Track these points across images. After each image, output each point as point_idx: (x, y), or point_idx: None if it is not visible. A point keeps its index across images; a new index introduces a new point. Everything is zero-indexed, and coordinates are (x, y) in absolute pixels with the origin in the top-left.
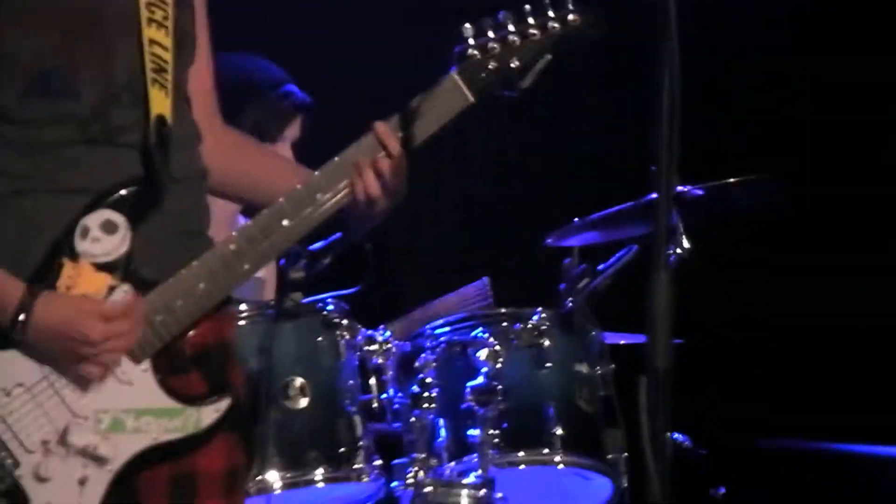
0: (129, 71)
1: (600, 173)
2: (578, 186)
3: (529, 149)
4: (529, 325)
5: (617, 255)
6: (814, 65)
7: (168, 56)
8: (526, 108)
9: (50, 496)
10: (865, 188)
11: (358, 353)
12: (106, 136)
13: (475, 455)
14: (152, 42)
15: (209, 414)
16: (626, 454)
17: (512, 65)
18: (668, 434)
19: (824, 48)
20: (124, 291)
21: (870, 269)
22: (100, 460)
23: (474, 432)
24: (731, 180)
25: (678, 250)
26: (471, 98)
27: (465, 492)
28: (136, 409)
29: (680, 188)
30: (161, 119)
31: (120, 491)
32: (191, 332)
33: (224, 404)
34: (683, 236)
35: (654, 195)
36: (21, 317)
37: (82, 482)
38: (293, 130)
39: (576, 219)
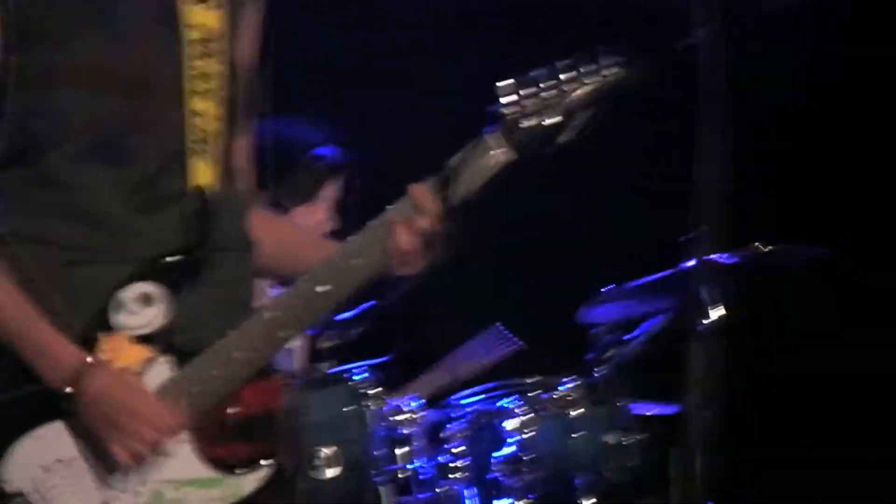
0: (177, 141)
1: (634, 240)
2: (610, 256)
3: (562, 217)
4: (558, 395)
5: (646, 324)
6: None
7: (211, 127)
8: (556, 177)
9: None
10: None
11: (384, 423)
12: (155, 204)
13: None
14: (195, 114)
15: (250, 483)
16: None
17: (547, 122)
18: None
19: (859, 113)
20: (163, 363)
21: None
22: None
23: (502, 503)
24: (768, 247)
25: (711, 319)
26: (509, 155)
27: None
28: (175, 480)
29: (714, 257)
30: (199, 190)
31: None
32: (235, 402)
33: (265, 472)
34: (717, 305)
35: (687, 265)
36: (71, 387)
37: None
38: (329, 191)
39: (604, 288)
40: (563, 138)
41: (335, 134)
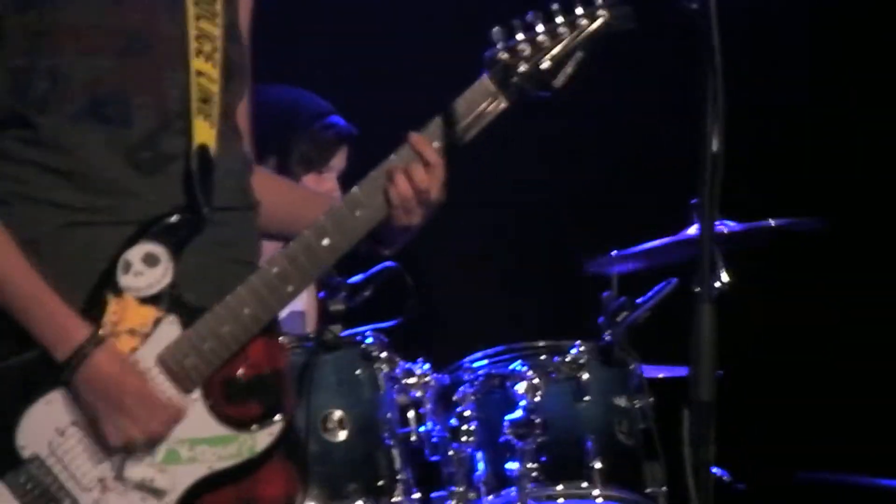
0: (179, 100)
1: (643, 204)
2: (620, 217)
3: (572, 179)
4: (568, 358)
5: (656, 288)
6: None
7: (215, 88)
8: (568, 138)
9: None
10: None
11: (396, 385)
12: (156, 164)
13: (513, 488)
14: (200, 73)
15: (263, 438)
16: (665, 488)
17: (543, 66)
18: (711, 467)
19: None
20: (171, 322)
21: None
22: (158, 493)
23: (512, 465)
24: (771, 222)
25: (718, 284)
26: (504, 101)
27: None
28: (189, 438)
29: (720, 223)
30: (204, 148)
31: None
32: (244, 361)
33: (277, 428)
34: (723, 270)
35: (696, 229)
36: (73, 362)
37: None
38: (339, 161)
39: (614, 250)
40: (557, 83)
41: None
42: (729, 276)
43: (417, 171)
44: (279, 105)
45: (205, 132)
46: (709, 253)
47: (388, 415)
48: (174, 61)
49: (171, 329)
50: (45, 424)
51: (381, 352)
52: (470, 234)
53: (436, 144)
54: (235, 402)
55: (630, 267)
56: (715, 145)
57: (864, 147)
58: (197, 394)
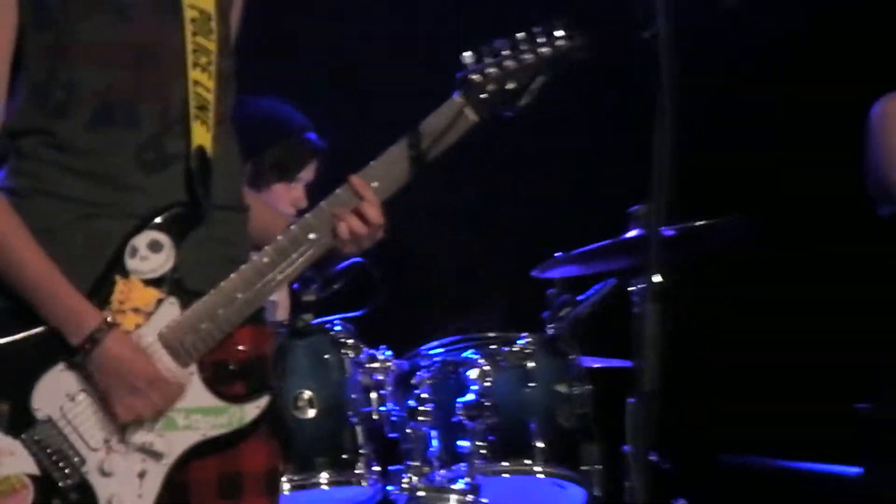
0: (180, 107)
1: (583, 212)
2: (562, 223)
3: (519, 188)
4: (516, 348)
5: (596, 287)
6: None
7: (210, 96)
8: (517, 154)
9: (113, 489)
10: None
11: (361, 369)
12: (160, 163)
13: (464, 464)
14: (196, 83)
15: (251, 410)
16: (600, 466)
17: (509, 86)
18: (650, 451)
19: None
20: (171, 303)
21: (828, 300)
22: (156, 455)
23: (464, 443)
24: (702, 222)
25: (655, 283)
26: (474, 118)
27: (454, 497)
28: (186, 408)
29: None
30: (201, 150)
31: (173, 488)
32: (234, 345)
33: (264, 401)
34: (659, 271)
35: (634, 233)
36: (88, 345)
37: (141, 475)
38: (308, 173)
39: (558, 253)
40: (521, 102)
41: (313, 122)
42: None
43: (357, 214)
44: (260, 116)
45: (202, 135)
46: (655, 255)
47: (353, 396)
48: (175, 72)
49: (171, 309)
50: (58, 390)
51: (347, 339)
52: (431, 237)
53: (370, 188)
54: (226, 380)
55: (572, 269)
56: (663, 158)
57: (787, 147)
58: (193, 368)
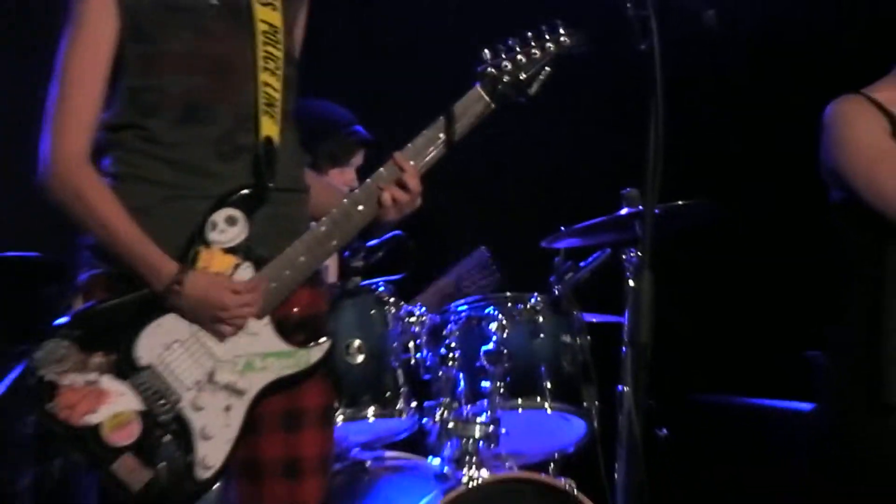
0: (251, 106)
1: (585, 192)
2: (567, 202)
3: (531, 172)
4: (528, 306)
5: (593, 256)
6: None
7: (277, 95)
8: (531, 142)
9: (204, 421)
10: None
11: (400, 323)
12: (233, 153)
13: (486, 401)
14: (266, 84)
15: (316, 353)
16: (597, 403)
17: (521, 77)
18: (643, 392)
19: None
20: (246, 267)
21: (781, 269)
22: (239, 392)
23: (486, 384)
24: (679, 202)
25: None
26: (492, 104)
27: (477, 428)
28: (262, 353)
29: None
30: (269, 139)
31: (249, 420)
32: (297, 303)
33: (326, 345)
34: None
35: (625, 211)
36: (175, 287)
37: (227, 409)
38: (358, 159)
39: (562, 227)
40: (532, 91)
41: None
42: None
43: (400, 184)
44: (314, 114)
45: (270, 128)
46: (650, 231)
47: (394, 344)
48: (247, 77)
49: (246, 272)
50: (156, 341)
51: (389, 297)
52: (456, 214)
53: (410, 164)
54: (293, 330)
55: (574, 241)
56: (655, 148)
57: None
58: (266, 320)
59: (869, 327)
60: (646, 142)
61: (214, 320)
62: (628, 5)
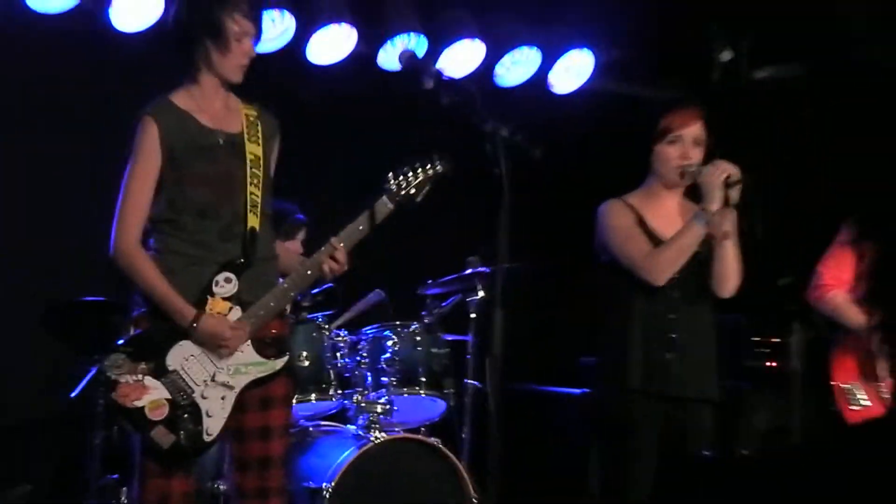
0: (242, 207)
1: (444, 257)
2: (434, 262)
3: (413, 245)
4: (411, 330)
5: (450, 299)
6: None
7: (259, 200)
8: (410, 234)
9: (208, 405)
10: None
11: (331, 341)
12: (231, 237)
13: (384, 389)
14: (252, 193)
15: (280, 362)
16: (454, 390)
17: (412, 192)
18: (496, 385)
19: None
20: (237, 310)
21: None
22: (230, 388)
23: (384, 379)
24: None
25: (481, 295)
26: (392, 208)
27: (379, 406)
28: (245, 363)
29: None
30: (253, 229)
31: (237, 405)
32: (269, 329)
33: (286, 357)
34: (482, 290)
35: (470, 270)
36: (193, 325)
37: (223, 398)
38: (301, 234)
39: (430, 280)
40: (418, 199)
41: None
42: (485, 292)
43: (334, 258)
44: (275, 208)
45: (253, 221)
46: (500, 280)
47: (328, 354)
48: (240, 188)
49: (236, 313)
50: (180, 355)
51: (325, 325)
52: (361, 270)
53: (341, 245)
54: (265, 348)
55: (436, 289)
56: (504, 221)
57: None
58: (248, 342)
59: (619, 343)
60: (494, 223)
61: (218, 346)
62: (487, 146)
